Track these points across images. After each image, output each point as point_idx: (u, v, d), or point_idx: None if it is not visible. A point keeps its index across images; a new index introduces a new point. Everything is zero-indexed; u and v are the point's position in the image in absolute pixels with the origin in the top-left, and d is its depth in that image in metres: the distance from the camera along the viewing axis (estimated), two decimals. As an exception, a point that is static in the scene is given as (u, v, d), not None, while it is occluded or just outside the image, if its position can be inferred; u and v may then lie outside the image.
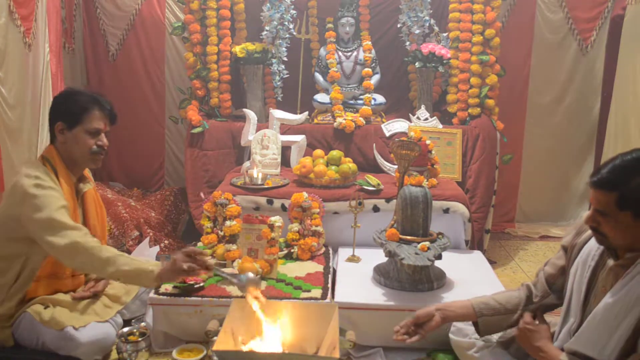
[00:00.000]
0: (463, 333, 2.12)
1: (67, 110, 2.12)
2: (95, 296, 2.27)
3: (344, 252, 2.97)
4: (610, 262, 1.60)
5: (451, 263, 2.73)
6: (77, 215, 2.16)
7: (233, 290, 2.46)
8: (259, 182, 3.25)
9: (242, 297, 2.36)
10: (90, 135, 2.14)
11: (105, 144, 2.21)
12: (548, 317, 1.86)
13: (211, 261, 1.98)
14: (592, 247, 1.68)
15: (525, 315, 1.82)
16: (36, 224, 1.96)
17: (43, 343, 2.07)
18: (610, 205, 1.49)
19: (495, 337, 2.00)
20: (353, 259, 2.89)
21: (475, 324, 1.91)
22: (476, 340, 2.04)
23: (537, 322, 1.79)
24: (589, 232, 1.68)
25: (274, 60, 3.93)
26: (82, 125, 2.12)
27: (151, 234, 3.58)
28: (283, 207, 3.14)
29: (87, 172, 2.34)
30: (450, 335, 2.21)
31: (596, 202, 1.53)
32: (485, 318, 1.87)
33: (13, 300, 2.10)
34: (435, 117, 3.75)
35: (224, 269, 2.63)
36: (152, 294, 2.41)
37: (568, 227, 1.92)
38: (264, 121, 3.83)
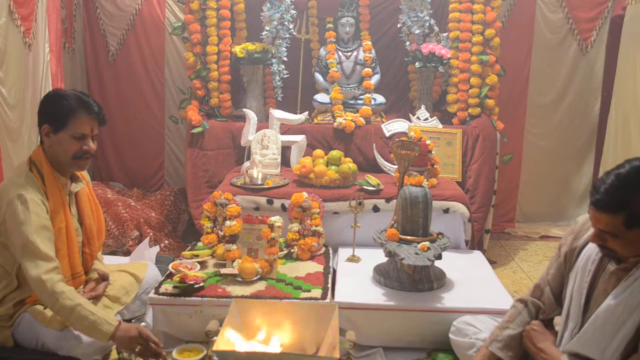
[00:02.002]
0: (463, 333, 2.12)
1: (53, 114, 2.08)
2: (96, 298, 2.26)
3: (344, 252, 2.97)
4: (612, 265, 1.59)
5: (451, 263, 2.73)
6: (69, 218, 2.15)
7: (233, 290, 2.46)
8: (259, 182, 3.25)
9: (242, 297, 2.38)
10: (75, 139, 2.08)
11: (91, 149, 2.13)
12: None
13: (164, 353, 1.97)
14: (592, 252, 1.66)
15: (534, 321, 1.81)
16: (16, 239, 1.97)
17: (43, 343, 2.07)
18: (618, 226, 1.45)
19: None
20: (353, 259, 2.89)
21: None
22: (476, 340, 2.04)
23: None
24: (587, 235, 1.65)
25: (274, 60, 3.93)
26: (68, 129, 2.06)
27: (151, 234, 3.58)
28: (283, 207, 3.14)
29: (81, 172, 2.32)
30: (450, 336, 2.21)
31: (599, 223, 1.49)
32: (510, 354, 1.81)
33: (10, 303, 2.11)
34: (435, 117, 3.75)
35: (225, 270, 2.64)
36: (152, 294, 2.41)
37: (565, 231, 1.84)
38: (264, 121, 3.82)
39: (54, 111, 2.08)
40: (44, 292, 1.96)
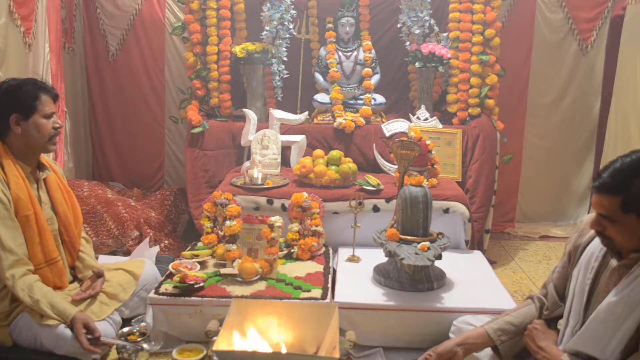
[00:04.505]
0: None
1: (19, 102, 2.16)
2: (93, 296, 2.27)
3: (344, 252, 2.97)
4: (614, 262, 1.59)
5: (451, 263, 2.73)
6: (36, 206, 2.17)
7: (233, 290, 2.46)
8: (259, 182, 3.25)
9: (242, 297, 2.38)
10: (47, 119, 2.21)
11: (61, 124, 2.30)
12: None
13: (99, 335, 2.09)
14: (595, 249, 1.67)
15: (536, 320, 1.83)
16: None
17: (41, 343, 2.08)
18: (615, 210, 1.48)
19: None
20: (353, 259, 2.89)
21: (495, 348, 1.89)
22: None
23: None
24: (591, 232, 1.67)
25: (274, 60, 3.93)
26: (38, 111, 2.18)
27: (151, 234, 3.58)
28: (283, 207, 3.14)
29: (46, 159, 2.36)
30: (451, 335, 2.21)
31: (600, 206, 1.52)
32: (504, 344, 1.85)
33: (6, 299, 2.12)
34: (435, 117, 3.75)
35: (226, 271, 2.64)
36: (152, 294, 2.41)
37: (570, 230, 1.87)
38: (264, 121, 3.82)
39: (20, 99, 2.16)
40: (9, 287, 2.07)
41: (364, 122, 3.78)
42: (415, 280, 2.49)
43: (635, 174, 1.47)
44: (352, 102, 3.98)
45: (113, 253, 3.45)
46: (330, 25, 4.14)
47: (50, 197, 2.30)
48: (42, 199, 2.25)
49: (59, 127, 2.25)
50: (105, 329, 2.18)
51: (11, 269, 2.04)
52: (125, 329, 2.39)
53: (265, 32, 3.88)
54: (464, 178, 3.60)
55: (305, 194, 3.02)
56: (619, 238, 1.52)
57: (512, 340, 1.85)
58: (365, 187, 3.21)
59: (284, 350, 1.90)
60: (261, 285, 2.52)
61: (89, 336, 2.04)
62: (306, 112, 3.85)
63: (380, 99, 3.96)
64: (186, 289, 2.41)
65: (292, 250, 2.95)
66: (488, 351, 1.93)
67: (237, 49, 3.81)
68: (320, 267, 2.78)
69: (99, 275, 2.33)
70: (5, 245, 2.04)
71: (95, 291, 2.26)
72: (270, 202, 3.17)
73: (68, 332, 2.06)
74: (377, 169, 3.64)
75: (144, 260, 2.69)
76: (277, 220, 2.68)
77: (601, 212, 1.52)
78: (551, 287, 1.84)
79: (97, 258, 2.70)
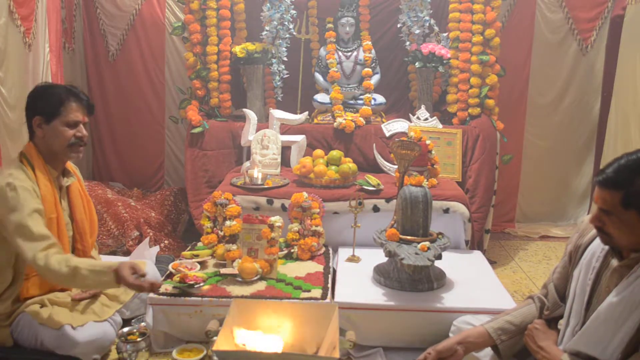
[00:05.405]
0: (463, 333, 2.11)
1: (44, 105, 2.14)
2: (94, 296, 2.27)
3: (344, 252, 2.97)
4: (615, 262, 1.59)
5: (451, 263, 2.73)
6: (59, 210, 2.17)
7: (233, 290, 2.46)
8: (259, 182, 3.25)
9: (242, 297, 2.38)
10: (68, 127, 2.15)
11: (85, 135, 2.20)
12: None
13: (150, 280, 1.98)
14: (596, 249, 1.66)
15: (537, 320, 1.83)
16: (9, 225, 1.98)
17: (42, 343, 2.08)
18: (615, 205, 1.49)
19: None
20: (353, 259, 2.89)
21: (495, 347, 1.88)
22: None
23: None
24: (592, 232, 1.67)
25: (274, 60, 3.93)
26: (60, 117, 2.13)
27: (151, 234, 3.58)
28: (283, 207, 3.14)
29: (71, 166, 2.35)
30: (451, 335, 2.21)
31: (601, 201, 1.52)
32: (504, 343, 1.85)
33: (8, 300, 2.12)
34: (435, 117, 3.75)
35: (226, 271, 2.64)
36: (152, 294, 2.41)
37: (570, 230, 1.87)
38: (264, 121, 3.82)
39: (45, 101, 2.14)
40: (42, 272, 1.97)
41: (364, 122, 3.78)
42: (415, 280, 2.49)
43: (638, 170, 1.47)
44: (352, 102, 3.98)
45: (113, 253, 3.45)
46: (330, 25, 4.14)
47: (70, 204, 2.29)
48: (62, 205, 2.24)
49: (81, 137, 2.17)
50: (107, 329, 2.19)
51: (43, 251, 1.95)
52: (126, 329, 2.39)
53: (265, 32, 3.88)
54: (464, 178, 3.60)
55: (305, 194, 3.02)
56: (618, 234, 1.52)
57: (512, 340, 1.85)
58: (365, 187, 3.21)
59: (284, 350, 1.90)
60: (261, 285, 2.52)
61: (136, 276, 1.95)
62: (306, 112, 3.85)
63: (380, 99, 3.96)
64: (186, 289, 2.41)
65: (292, 250, 2.95)
66: (488, 351, 1.93)
67: (237, 49, 3.81)
68: (320, 267, 2.78)
69: None
70: (35, 234, 1.96)
71: (95, 291, 2.26)
72: (270, 202, 3.17)
73: (69, 332, 2.06)
74: (377, 169, 3.64)
75: (145, 261, 2.69)
76: (277, 220, 2.68)
77: (602, 206, 1.52)
78: (552, 287, 1.84)
79: (97, 258, 2.69)
